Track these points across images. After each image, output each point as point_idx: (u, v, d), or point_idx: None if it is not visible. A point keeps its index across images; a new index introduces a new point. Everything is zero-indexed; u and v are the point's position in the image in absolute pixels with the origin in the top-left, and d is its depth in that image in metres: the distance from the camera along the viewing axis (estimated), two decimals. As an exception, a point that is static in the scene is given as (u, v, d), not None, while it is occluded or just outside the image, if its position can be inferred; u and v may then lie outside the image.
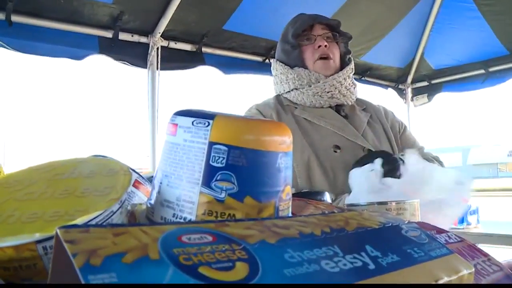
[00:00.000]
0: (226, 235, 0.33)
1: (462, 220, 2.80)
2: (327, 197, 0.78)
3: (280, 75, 1.42)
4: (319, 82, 1.35)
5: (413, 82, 3.90)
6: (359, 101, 1.48)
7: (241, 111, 1.43)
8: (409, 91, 3.92)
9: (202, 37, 2.66)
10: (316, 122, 1.34)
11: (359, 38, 3.10)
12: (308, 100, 1.37)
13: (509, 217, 7.27)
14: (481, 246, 0.58)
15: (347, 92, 1.39)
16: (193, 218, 0.43)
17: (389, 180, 0.89)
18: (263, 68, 2.95)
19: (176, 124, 0.45)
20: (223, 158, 0.42)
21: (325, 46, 1.36)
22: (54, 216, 0.43)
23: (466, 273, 0.38)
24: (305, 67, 1.38)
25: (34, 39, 2.15)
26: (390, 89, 3.88)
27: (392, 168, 1.01)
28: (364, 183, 0.90)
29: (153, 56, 2.52)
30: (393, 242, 0.39)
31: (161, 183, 0.46)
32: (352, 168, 1.02)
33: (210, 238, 0.31)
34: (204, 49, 2.71)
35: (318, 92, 1.35)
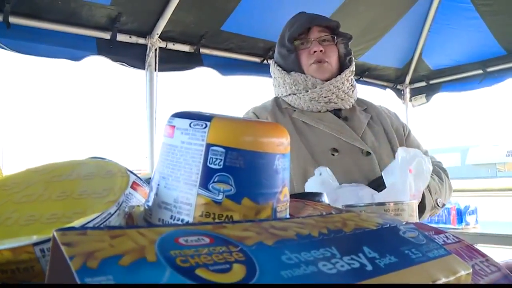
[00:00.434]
0: (223, 237, 0.33)
1: (461, 220, 2.81)
2: (325, 198, 0.78)
3: (278, 78, 1.41)
4: (315, 87, 1.33)
5: (411, 82, 3.90)
6: (360, 102, 1.46)
7: (239, 113, 1.42)
8: (407, 92, 3.93)
9: (200, 38, 2.66)
10: (314, 125, 1.32)
11: (357, 38, 3.10)
12: (305, 105, 1.35)
13: (507, 217, 7.28)
14: (480, 246, 0.58)
15: (345, 96, 1.36)
16: (190, 220, 0.43)
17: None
18: (261, 69, 2.95)
19: (174, 126, 0.45)
20: (221, 159, 0.42)
21: (321, 51, 1.33)
22: (51, 218, 0.43)
23: (463, 274, 0.38)
24: (302, 71, 1.36)
25: (32, 40, 2.16)
26: (388, 90, 3.88)
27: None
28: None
29: (151, 57, 2.53)
30: (391, 243, 0.39)
31: (158, 185, 0.46)
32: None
33: (207, 240, 0.31)
34: (202, 50, 2.71)
35: (314, 97, 1.33)
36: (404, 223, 0.45)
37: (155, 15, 2.46)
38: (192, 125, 0.44)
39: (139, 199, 0.52)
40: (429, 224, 0.60)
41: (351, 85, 1.40)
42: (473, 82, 3.56)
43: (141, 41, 2.51)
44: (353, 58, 1.44)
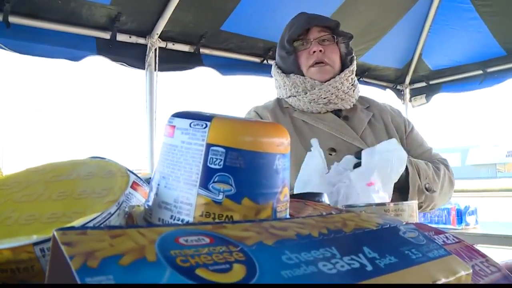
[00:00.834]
0: (223, 236, 0.33)
1: (460, 221, 2.81)
2: (325, 198, 0.78)
3: (279, 80, 1.41)
4: (314, 89, 1.33)
5: (411, 83, 3.90)
6: (362, 100, 1.45)
7: (239, 112, 1.42)
8: (407, 92, 3.92)
9: (200, 38, 2.66)
10: (314, 124, 1.32)
11: (357, 38, 3.09)
12: (305, 106, 1.36)
13: (507, 218, 7.29)
14: (480, 247, 0.58)
15: (345, 96, 1.36)
16: (190, 219, 0.43)
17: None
18: (261, 69, 2.95)
19: (174, 126, 0.45)
20: (221, 159, 0.42)
21: (320, 51, 1.33)
22: (51, 218, 0.43)
23: (463, 274, 0.38)
24: (301, 73, 1.36)
25: (31, 40, 2.15)
26: (388, 90, 3.88)
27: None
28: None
29: (151, 57, 2.52)
30: (391, 243, 0.39)
31: (158, 184, 0.46)
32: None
33: (207, 240, 0.31)
34: (202, 50, 2.71)
35: (314, 99, 1.33)
36: (404, 223, 0.45)
37: (155, 15, 2.46)
38: (192, 125, 0.44)
39: (139, 199, 0.52)
40: (429, 225, 0.60)
41: (352, 84, 1.39)
42: (473, 83, 3.55)
43: (141, 41, 2.51)
44: (355, 58, 1.43)
